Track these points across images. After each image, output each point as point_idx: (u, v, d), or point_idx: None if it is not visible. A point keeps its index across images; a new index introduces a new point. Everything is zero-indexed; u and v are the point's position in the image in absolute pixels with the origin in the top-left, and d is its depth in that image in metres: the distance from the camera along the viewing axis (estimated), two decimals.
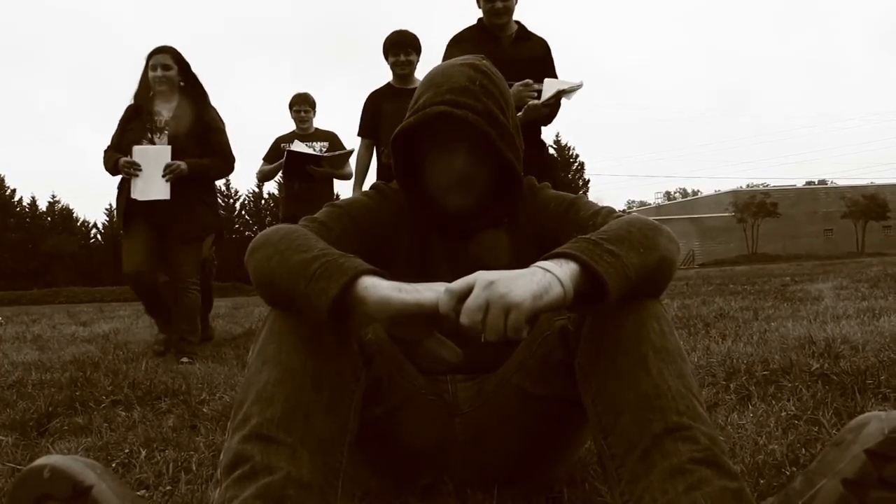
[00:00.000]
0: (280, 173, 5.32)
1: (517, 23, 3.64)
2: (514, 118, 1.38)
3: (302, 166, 4.96)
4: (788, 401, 2.05)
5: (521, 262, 1.10)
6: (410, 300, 1.02)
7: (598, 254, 1.04)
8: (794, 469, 1.45)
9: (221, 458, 1.08)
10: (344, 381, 1.15)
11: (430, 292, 1.02)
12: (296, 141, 5.26)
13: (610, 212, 1.31)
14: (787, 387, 2.23)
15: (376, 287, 1.03)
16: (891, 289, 6.31)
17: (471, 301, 0.98)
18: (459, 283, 1.00)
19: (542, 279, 1.00)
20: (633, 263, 1.07)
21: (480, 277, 0.99)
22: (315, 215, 1.35)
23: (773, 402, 2.05)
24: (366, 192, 1.46)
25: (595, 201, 1.41)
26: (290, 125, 5.58)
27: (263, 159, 5.44)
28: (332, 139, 5.40)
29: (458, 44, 3.57)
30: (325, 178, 5.21)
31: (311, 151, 5.06)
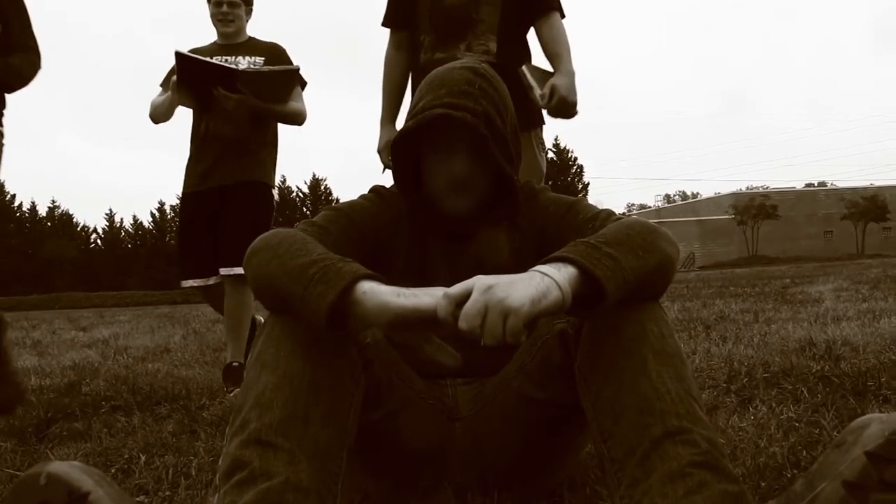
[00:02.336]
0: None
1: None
2: (512, 123, 1.38)
3: (205, 88, 2.92)
4: (789, 403, 2.05)
5: (521, 264, 1.10)
6: (409, 305, 1.02)
7: (596, 257, 1.04)
8: (796, 472, 1.45)
9: (220, 463, 1.08)
10: (342, 385, 1.14)
11: (428, 297, 1.02)
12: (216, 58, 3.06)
13: (609, 215, 1.31)
14: (788, 389, 2.23)
15: (374, 292, 1.03)
16: (891, 290, 6.31)
17: (469, 306, 0.98)
18: (457, 288, 1.00)
19: (540, 283, 1.00)
20: (632, 267, 1.07)
21: (479, 282, 0.99)
22: (314, 219, 1.35)
23: (774, 405, 2.04)
24: (364, 195, 1.46)
25: (595, 204, 1.40)
26: None
27: (161, 86, 3.25)
28: (272, 53, 3.24)
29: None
30: (255, 120, 3.13)
31: (218, 62, 2.97)
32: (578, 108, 2.33)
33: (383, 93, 2.64)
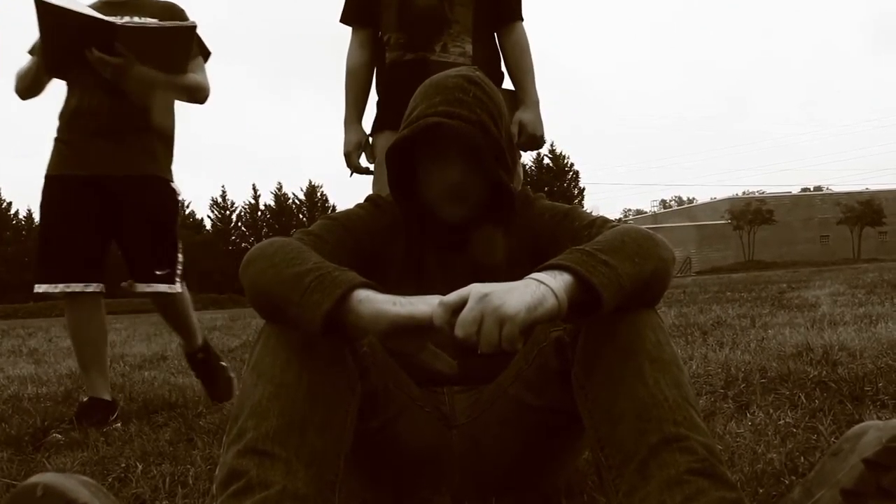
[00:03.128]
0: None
1: None
2: (507, 130, 1.39)
3: (77, 48, 2.31)
4: (787, 409, 2.05)
5: (516, 272, 1.10)
6: (404, 313, 1.02)
7: (592, 264, 1.04)
8: (793, 478, 1.45)
9: (217, 473, 1.07)
10: (339, 394, 1.14)
11: (424, 305, 1.03)
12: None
13: (605, 222, 1.31)
14: (786, 395, 2.23)
15: (370, 300, 1.04)
16: (887, 295, 6.32)
17: (465, 314, 0.98)
18: (453, 296, 1.00)
19: (535, 291, 1.00)
20: (628, 273, 1.07)
21: (474, 290, 1.00)
22: (309, 228, 1.35)
23: (772, 411, 2.04)
24: (360, 204, 1.46)
25: (591, 210, 1.41)
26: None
27: (30, 52, 2.58)
28: (166, 13, 2.62)
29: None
30: (145, 93, 2.54)
31: (92, 13, 2.30)
32: (546, 137, 2.37)
33: (347, 93, 2.50)
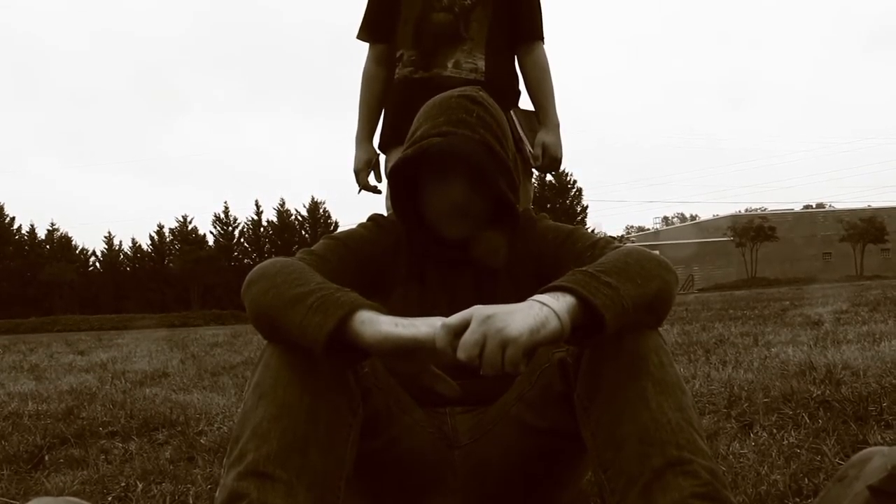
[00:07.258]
0: None
1: None
2: (511, 149, 1.39)
3: None
4: (790, 429, 2.04)
5: (519, 291, 1.10)
6: (407, 335, 1.02)
7: (595, 286, 1.04)
8: (797, 500, 1.44)
9: (217, 494, 1.07)
10: (341, 415, 1.14)
11: (426, 327, 1.02)
12: None
13: (608, 242, 1.31)
14: (789, 414, 2.22)
15: (372, 321, 1.03)
16: (891, 312, 6.30)
17: (467, 336, 0.98)
18: (456, 318, 1.00)
19: (538, 313, 1.00)
20: (631, 295, 1.07)
21: (477, 312, 0.99)
22: (312, 248, 1.35)
23: (775, 431, 2.03)
24: (363, 223, 1.47)
25: (593, 227, 1.41)
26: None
27: None
28: None
29: None
30: None
31: None
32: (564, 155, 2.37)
33: (361, 109, 2.50)
